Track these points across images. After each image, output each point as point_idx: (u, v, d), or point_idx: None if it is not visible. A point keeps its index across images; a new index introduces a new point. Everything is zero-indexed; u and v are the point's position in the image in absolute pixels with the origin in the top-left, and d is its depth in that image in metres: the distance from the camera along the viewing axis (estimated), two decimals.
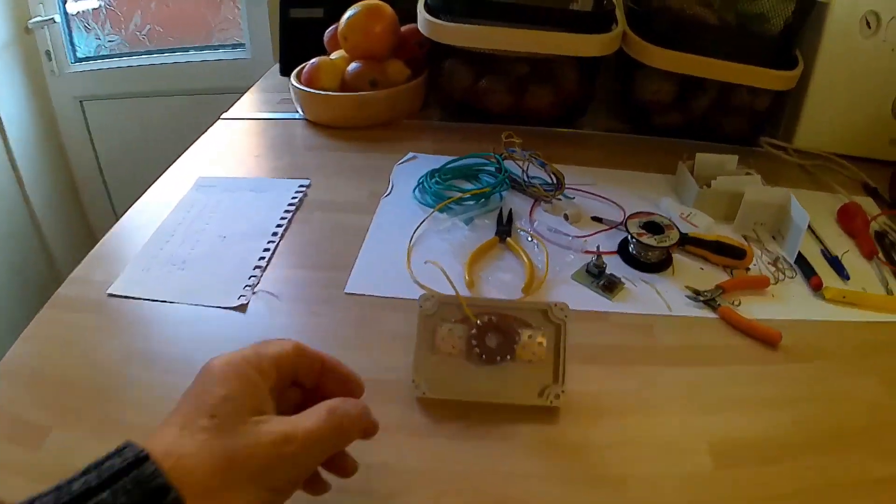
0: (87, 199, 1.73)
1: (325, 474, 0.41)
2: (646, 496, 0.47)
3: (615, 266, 0.71)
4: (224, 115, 1.05)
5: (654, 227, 0.72)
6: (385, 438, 0.46)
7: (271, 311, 0.63)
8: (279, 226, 0.76)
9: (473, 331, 0.51)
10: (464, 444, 0.50)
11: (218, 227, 0.75)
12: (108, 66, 1.55)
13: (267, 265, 0.69)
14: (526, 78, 0.98)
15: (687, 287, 0.69)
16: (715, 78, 0.90)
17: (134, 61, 1.55)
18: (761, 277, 0.71)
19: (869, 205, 0.88)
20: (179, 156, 0.92)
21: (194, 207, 0.79)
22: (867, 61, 0.91)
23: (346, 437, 0.38)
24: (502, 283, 0.68)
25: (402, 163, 0.92)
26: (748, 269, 0.73)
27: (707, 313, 0.66)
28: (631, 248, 0.73)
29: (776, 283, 0.71)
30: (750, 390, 0.57)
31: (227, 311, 0.62)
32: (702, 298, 0.67)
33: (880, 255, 0.77)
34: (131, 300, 0.64)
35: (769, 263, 0.74)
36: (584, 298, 0.67)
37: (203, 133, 0.99)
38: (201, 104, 1.46)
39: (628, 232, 0.71)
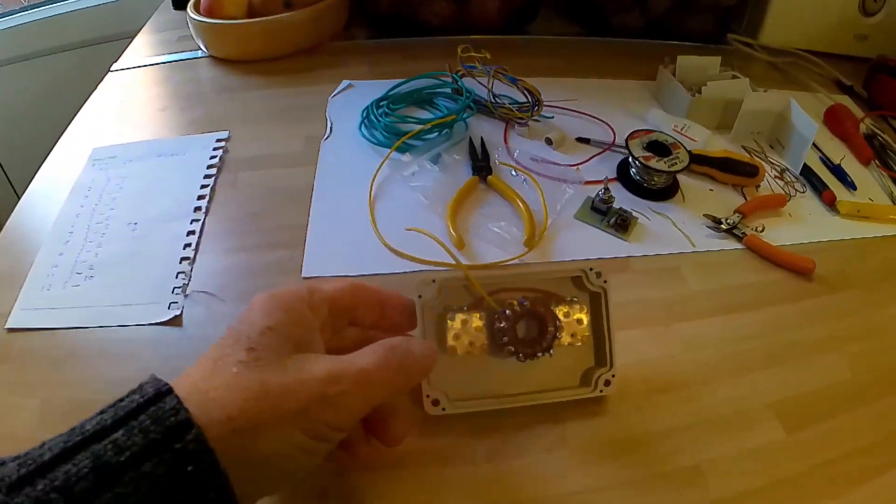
0: None
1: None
2: (729, 484, 0.40)
3: (617, 196, 0.60)
4: (114, 66, 0.84)
5: (658, 148, 0.62)
6: (403, 476, 0.39)
7: (213, 317, 0.49)
8: (201, 198, 0.60)
9: (503, 324, 0.39)
10: (503, 467, 0.40)
11: (125, 211, 0.59)
12: None
13: (195, 255, 0.54)
14: None
15: (705, 215, 0.60)
16: None
17: (7, 23, 1.28)
18: (778, 196, 0.64)
19: (847, 103, 0.81)
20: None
21: (92, 190, 0.61)
22: None
23: (406, 379, 0.33)
24: (498, 238, 0.56)
25: (336, 94, 0.76)
26: (758, 186, 0.65)
27: (732, 244, 0.59)
28: (633, 172, 0.63)
29: (789, 199, 0.64)
30: (796, 334, 0.51)
31: (159, 327, 0.48)
32: (724, 228, 0.59)
33: (876, 160, 0.71)
34: (37, 333, 0.48)
35: (776, 177, 0.67)
36: (596, 243, 0.57)
37: (92, 92, 0.78)
38: (93, 57, 1.23)
39: (632, 156, 0.61)
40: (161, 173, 0.63)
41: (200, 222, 0.57)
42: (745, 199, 0.63)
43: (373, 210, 0.59)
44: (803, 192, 0.65)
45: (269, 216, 0.59)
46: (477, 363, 0.41)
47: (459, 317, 0.40)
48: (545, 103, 0.70)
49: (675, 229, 0.59)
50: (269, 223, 0.58)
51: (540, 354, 0.39)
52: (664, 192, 0.63)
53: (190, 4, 0.83)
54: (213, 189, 0.61)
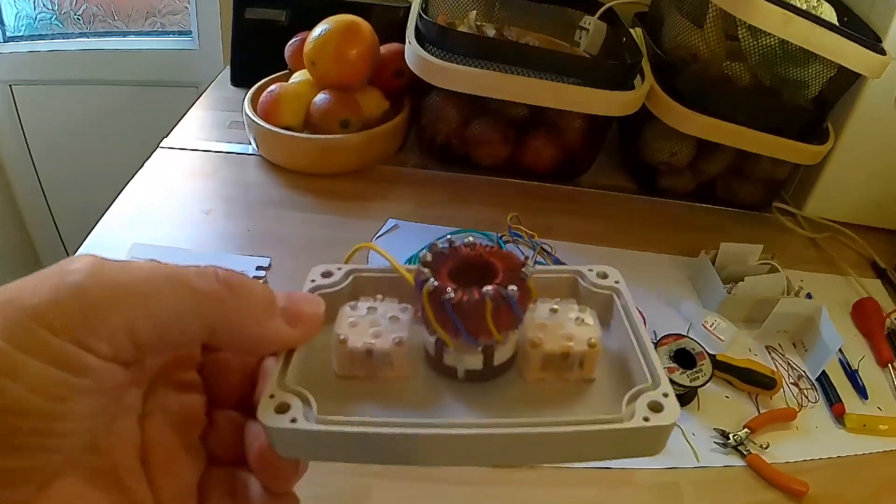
0: (20, 195, 1.43)
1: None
2: None
3: None
4: (164, 143, 0.85)
5: (684, 357, 0.64)
6: None
7: None
8: None
9: (431, 280, 0.25)
10: None
11: None
12: (42, 49, 1.28)
13: None
14: (524, 123, 0.84)
15: (715, 429, 0.62)
16: (745, 148, 0.80)
17: (69, 45, 1.28)
18: (788, 411, 0.65)
19: (878, 288, 0.84)
20: (123, 187, 0.74)
21: None
22: (894, 137, 0.84)
23: (227, 292, 0.23)
24: None
25: (381, 235, 0.77)
26: (772, 395, 0.67)
27: (734, 460, 0.59)
28: None
29: (800, 410, 0.65)
30: None
31: None
32: (730, 444, 0.60)
33: (892, 364, 0.73)
34: None
35: (792, 383, 0.68)
36: None
37: (139, 168, 0.80)
38: (144, 96, 1.24)
39: None
40: None
41: None
42: (758, 409, 0.65)
43: None
44: (815, 403, 0.67)
45: None
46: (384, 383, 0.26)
47: (364, 304, 0.27)
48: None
49: (684, 440, 0.60)
50: None
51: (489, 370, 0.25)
52: (681, 398, 0.64)
53: (247, 97, 0.84)
54: None
